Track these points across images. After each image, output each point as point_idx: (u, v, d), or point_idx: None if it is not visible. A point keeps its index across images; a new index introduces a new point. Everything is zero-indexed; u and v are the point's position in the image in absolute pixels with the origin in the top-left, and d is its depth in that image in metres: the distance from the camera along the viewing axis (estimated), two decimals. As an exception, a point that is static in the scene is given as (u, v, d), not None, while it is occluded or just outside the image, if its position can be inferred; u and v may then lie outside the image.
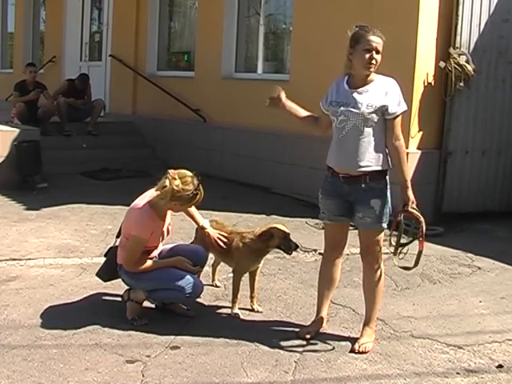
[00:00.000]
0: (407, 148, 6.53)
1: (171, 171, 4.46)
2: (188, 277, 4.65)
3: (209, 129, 11.58)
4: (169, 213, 4.71)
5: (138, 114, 13.39)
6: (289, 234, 4.74)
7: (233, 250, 4.85)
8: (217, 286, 5.50)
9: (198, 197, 4.50)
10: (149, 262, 4.69)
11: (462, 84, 8.23)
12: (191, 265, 4.78)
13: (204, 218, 5.12)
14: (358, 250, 4.51)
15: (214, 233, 4.90)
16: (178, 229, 5.92)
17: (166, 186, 4.41)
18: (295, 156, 9.80)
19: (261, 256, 4.84)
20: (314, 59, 9.46)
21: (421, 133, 8.30)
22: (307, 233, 7.56)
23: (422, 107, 8.27)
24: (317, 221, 7.58)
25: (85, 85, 12.58)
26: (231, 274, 5.11)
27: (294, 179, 9.80)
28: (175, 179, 4.40)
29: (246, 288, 5.17)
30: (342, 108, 4.23)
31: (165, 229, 4.72)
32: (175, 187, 4.37)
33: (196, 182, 4.46)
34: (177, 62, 13.36)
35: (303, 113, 4.53)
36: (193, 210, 4.86)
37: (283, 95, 4.43)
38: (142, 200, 4.64)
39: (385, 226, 4.32)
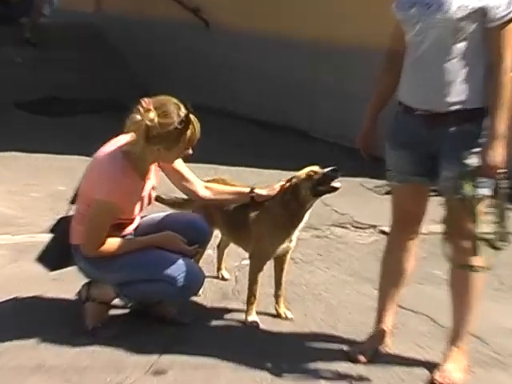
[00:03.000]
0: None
1: (145, 100, 3.45)
2: (180, 262, 3.61)
3: (213, 38, 8.70)
4: (153, 170, 3.67)
5: (104, 12, 10.11)
6: (321, 174, 3.79)
7: (249, 224, 3.90)
8: (224, 279, 4.50)
9: (188, 133, 3.46)
10: (120, 241, 3.62)
11: None
12: (186, 244, 3.71)
13: (199, 179, 4.00)
14: (441, 228, 3.52)
15: (272, 190, 3.90)
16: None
17: (136, 122, 3.42)
18: (351, 83, 7.32)
19: (292, 227, 3.84)
20: None
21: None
22: (363, 200, 6.31)
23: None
24: (379, 182, 6.36)
25: None
26: (246, 261, 4.15)
27: (347, 118, 7.26)
28: (149, 110, 3.41)
29: (269, 282, 4.22)
30: (418, 11, 3.36)
31: (146, 193, 3.66)
32: (149, 122, 3.38)
33: (183, 112, 3.46)
34: None
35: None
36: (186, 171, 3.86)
37: None
38: (111, 147, 3.58)
39: (486, 191, 3.36)
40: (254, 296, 3.93)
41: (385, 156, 3.61)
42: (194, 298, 4.18)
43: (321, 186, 3.77)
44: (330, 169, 3.75)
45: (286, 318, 4.09)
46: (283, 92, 8.02)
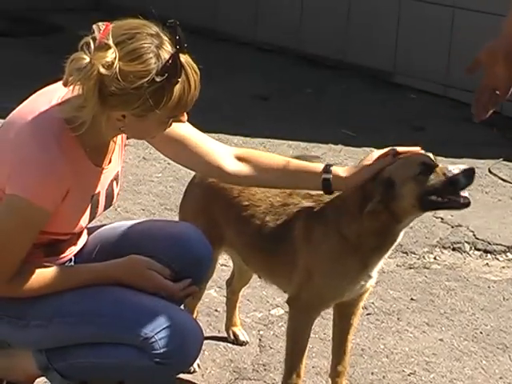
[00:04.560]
0: None
1: (100, 25, 2.42)
2: (159, 310, 2.62)
3: None
4: (119, 148, 2.69)
5: None
6: (444, 177, 2.67)
7: (294, 244, 2.91)
8: (239, 342, 3.41)
9: (175, 91, 2.42)
10: (51, 272, 2.65)
11: None
12: (170, 277, 2.65)
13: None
14: None
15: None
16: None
17: (81, 69, 2.37)
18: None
19: (375, 255, 2.82)
20: None
21: None
22: (492, 201, 4.86)
23: None
24: None
25: None
26: (279, 311, 3.48)
27: (455, 54, 6.20)
28: (107, 47, 2.37)
29: (319, 350, 3.37)
30: None
31: (102, 189, 2.65)
32: (104, 69, 2.35)
33: (167, 51, 2.40)
34: None
35: None
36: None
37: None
38: (39, 106, 2.54)
39: None
40: (298, 375, 2.92)
41: None
42: (185, 377, 3.11)
43: (438, 196, 2.77)
44: (462, 168, 2.70)
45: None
46: (340, 11, 7.05)
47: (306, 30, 7.09)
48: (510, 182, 5.30)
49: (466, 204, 2.74)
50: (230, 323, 3.47)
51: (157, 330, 2.56)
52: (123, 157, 2.82)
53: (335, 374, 3.07)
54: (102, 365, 2.66)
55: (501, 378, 3.30)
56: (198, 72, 2.50)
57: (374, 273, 2.94)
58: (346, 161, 5.30)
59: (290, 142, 5.66)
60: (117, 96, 2.45)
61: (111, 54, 2.40)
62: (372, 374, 3.31)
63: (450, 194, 2.74)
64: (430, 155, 2.81)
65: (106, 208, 2.77)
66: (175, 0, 7.31)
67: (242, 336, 3.46)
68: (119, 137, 2.68)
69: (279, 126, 5.73)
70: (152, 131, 2.63)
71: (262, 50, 7.22)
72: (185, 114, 2.59)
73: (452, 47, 6.22)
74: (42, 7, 7.42)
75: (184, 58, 2.45)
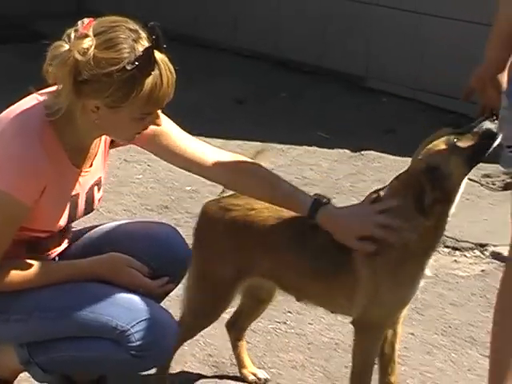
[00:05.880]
0: None
1: (85, 20, 2.54)
2: (138, 305, 2.66)
3: None
4: (102, 153, 2.76)
5: None
6: (478, 133, 2.71)
7: (358, 265, 2.78)
8: (261, 380, 3.23)
9: (147, 83, 2.50)
10: (31, 267, 2.70)
11: None
12: (148, 274, 2.74)
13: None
14: None
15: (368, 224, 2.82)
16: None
17: (59, 56, 2.48)
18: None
19: (432, 250, 2.82)
20: None
21: None
22: (461, 201, 5.16)
23: None
24: (492, 168, 4.98)
25: None
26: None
27: (426, 59, 6.27)
28: (86, 36, 2.49)
29: (295, 344, 3.40)
30: None
31: (82, 191, 2.73)
32: (79, 55, 2.44)
33: (142, 44, 2.49)
34: None
35: None
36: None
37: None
38: (24, 106, 2.65)
39: None
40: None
41: (499, 122, 2.79)
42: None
43: (480, 155, 2.82)
44: (482, 120, 2.76)
45: None
46: (317, 14, 7.15)
47: (284, 36, 7.21)
48: (477, 182, 5.31)
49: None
50: (242, 365, 3.28)
51: (133, 324, 2.62)
52: (106, 163, 2.87)
53: None
54: (81, 358, 2.72)
55: (469, 370, 3.37)
56: (174, 72, 2.55)
57: (428, 270, 2.93)
58: (320, 162, 5.34)
59: (266, 144, 5.58)
60: (90, 83, 2.50)
61: (88, 42, 2.48)
62: (346, 367, 3.28)
63: (488, 146, 2.78)
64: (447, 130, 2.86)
65: (86, 211, 2.82)
66: (156, 7, 7.39)
67: (262, 374, 3.31)
68: (102, 143, 2.74)
69: (256, 129, 5.80)
70: (126, 127, 2.65)
71: (241, 56, 7.28)
72: (160, 117, 2.63)
73: (421, 52, 6.37)
74: (25, 14, 7.45)
75: (160, 56, 2.51)
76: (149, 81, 2.50)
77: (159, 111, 2.65)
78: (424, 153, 2.79)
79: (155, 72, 2.51)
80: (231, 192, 3.10)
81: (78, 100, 2.53)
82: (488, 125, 2.75)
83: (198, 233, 3.03)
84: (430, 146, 2.81)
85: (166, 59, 2.56)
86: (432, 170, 2.74)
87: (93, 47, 2.48)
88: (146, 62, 2.51)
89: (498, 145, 2.75)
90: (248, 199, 3.02)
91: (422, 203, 2.74)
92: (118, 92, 2.52)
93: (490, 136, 2.74)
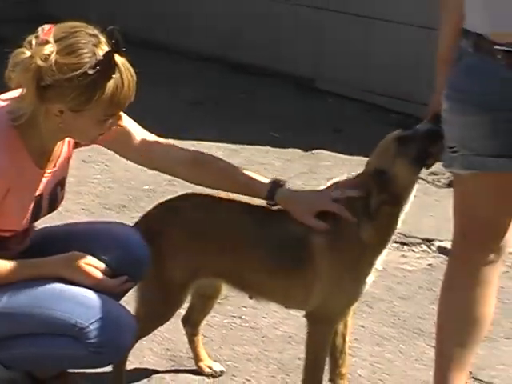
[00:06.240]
0: None
1: (45, 27, 2.61)
2: (96, 302, 2.69)
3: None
4: (64, 154, 2.80)
5: None
6: (421, 132, 2.78)
7: (313, 258, 2.80)
8: (216, 373, 3.29)
9: (109, 87, 2.56)
10: None
11: None
12: (107, 273, 2.75)
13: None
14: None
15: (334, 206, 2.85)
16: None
17: (20, 62, 2.53)
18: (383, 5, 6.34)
19: (384, 246, 2.86)
20: None
21: None
22: (416, 199, 5.23)
23: None
24: (439, 168, 4.92)
25: None
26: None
27: (372, 61, 6.40)
28: (47, 43, 2.54)
29: (250, 338, 3.43)
30: None
31: (45, 191, 2.77)
32: (41, 61, 2.50)
33: (102, 49, 2.55)
34: None
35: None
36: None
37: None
38: None
39: None
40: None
41: (442, 125, 2.79)
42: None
43: (425, 156, 2.83)
44: (426, 121, 2.78)
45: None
46: (268, 20, 7.30)
47: (240, 40, 7.38)
48: (423, 179, 5.40)
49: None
50: (199, 359, 3.31)
51: (91, 321, 2.64)
52: (69, 164, 2.87)
53: (338, 377, 3.07)
54: (42, 355, 2.73)
55: (416, 360, 3.43)
56: (134, 74, 2.60)
57: (379, 264, 2.96)
58: (273, 161, 5.44)
59: (220, 144, 5.72)
60: (52, 88, 2.54)
61: (49, 48, 2.52)
62: (299, 359, 3.29)
63: (434, 145, 2.78)
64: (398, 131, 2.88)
65: (50, 211, 2.85)
66: (115, 11, 7.37)
67: (217, 366, 3.36)
68: (65, 144, 2.77)
69: (211, 130, 5.87)
70: (90, 130, 2.68)
71: (198, 59, 7.35)
72: (122, 118, 2.69)
73: (368, 55, 6.50)
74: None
75: (120, 60, 2.56)
76: (110, 84, 2.56)
77: (121, 112, 2.69)
78: (372, 156, 2.84)
79: (116, 75, 2.56)
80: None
81: (42, 104, 2.56)
82: (431, 126, 2.78)
83: (148, 236, 2.99)
84: (379, 149, 2.86)
85: (127, 62, 2.61)
86: (379, 173, 2.79)
87: (54, 53, 2.52)
88: (107, 65, 2.56)
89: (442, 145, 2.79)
90: (196, 199, 3.04)
91: (367, 206, 2.80)
92: (81, 96, 2.56)
93: (434, 137, 2.76)
